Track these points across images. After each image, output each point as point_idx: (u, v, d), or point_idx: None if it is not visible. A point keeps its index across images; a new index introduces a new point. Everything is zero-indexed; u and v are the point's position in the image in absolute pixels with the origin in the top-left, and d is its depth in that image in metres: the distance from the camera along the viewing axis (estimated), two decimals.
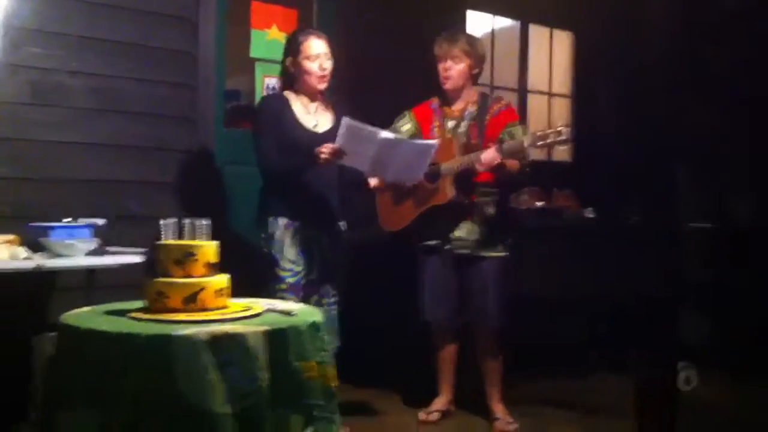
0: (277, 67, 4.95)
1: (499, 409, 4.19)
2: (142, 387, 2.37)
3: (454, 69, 4.12)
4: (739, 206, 5.60)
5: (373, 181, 3.99)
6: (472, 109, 4.17)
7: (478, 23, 6.13)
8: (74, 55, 4.17)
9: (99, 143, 4.26)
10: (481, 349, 4.22)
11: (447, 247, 4.13)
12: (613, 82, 6.56)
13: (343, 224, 3.98)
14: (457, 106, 4.20)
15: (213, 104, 4.73)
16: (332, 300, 3.95)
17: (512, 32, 6.52)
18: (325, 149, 3.65)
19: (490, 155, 3.86)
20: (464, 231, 4.11)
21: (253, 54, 5.01)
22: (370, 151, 3.65)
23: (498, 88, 6.26)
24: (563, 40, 6.93)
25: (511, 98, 6.36)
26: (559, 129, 3.78)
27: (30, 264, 3.38)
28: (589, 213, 5.67)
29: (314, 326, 2.68)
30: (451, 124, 4.19)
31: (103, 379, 2.41)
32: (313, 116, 3.91)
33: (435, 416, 4.25)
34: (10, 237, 3.47)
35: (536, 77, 6.68)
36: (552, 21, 6.77)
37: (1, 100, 3.93)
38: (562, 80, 6.92)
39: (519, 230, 4.62)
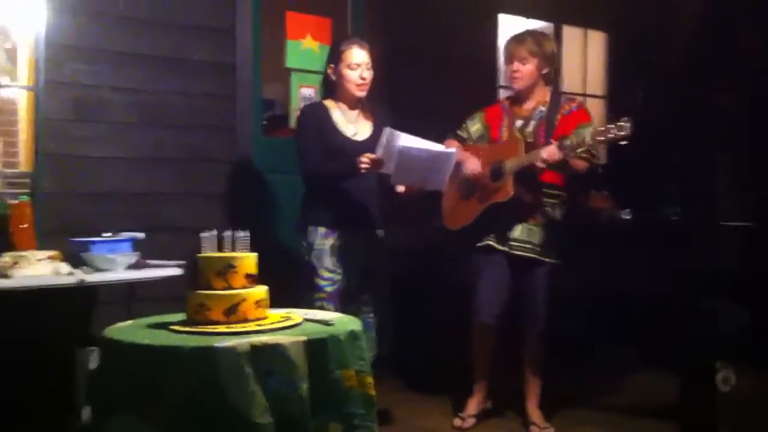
0: (312, 77, 5.07)
1: (536, 413, 4.17)
2: (186, 398, 2.42)
3: (522, 70, 4.09)
4: None
5: (400, 188, 3.91)
6: (542, 108, 4.12)
7: (511, 26, 6.12)
8: (115, 70, 4.26)
9: (140, 157, 4.35)
10: (528, 353, 4.19)
11: (504, 247, 4.08)
12: (647, 82, 6.54)
13: (381, 232, 4.01)
14: (527, 106, 4.16)
15: (251, 114, 4.79)
16: (371, 308, 3.96)
17: None
18: (366, 159, 3.68)
19: (550, 151, 3.80)
20: (524, 232, 4.06)
21: (288, 64, 5.07)
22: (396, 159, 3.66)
23: None
24: (597, 41, 6.91)
25: None
26: (620, 123, 3.66)
27: (72, 279, 3.45)
28: (627, 214, 5.64)
29: (353, 335, 2.72)
30: (519, 123, 4.15)
31: (148, 391, 2.47)
32: (353, 124, 3.94)
33: (470, 422, 4.22)
34: (53, 253, 3.54)
35: (570, 78, 6.67)
36: (585, 21, 6.75)
37: (44, 116, 4.02)
38: (597, 81, 6.90)
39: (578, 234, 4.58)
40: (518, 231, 4.06)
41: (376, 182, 3.91)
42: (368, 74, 3.89)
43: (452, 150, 3.86)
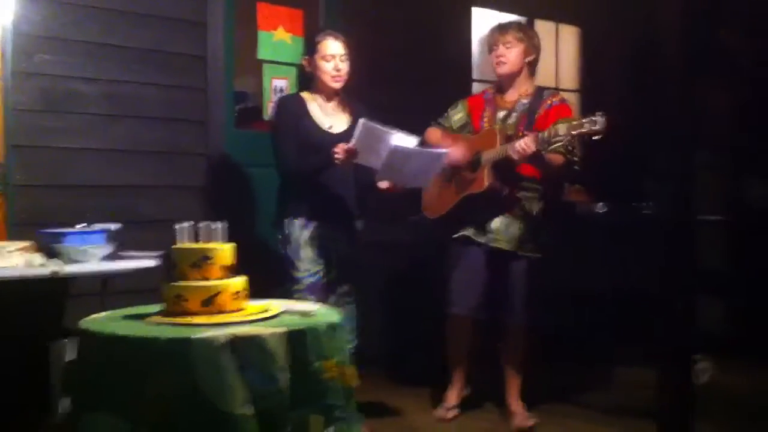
0: (284, 68, 5.04)
1: (517, 404, 4.18)
2: (164, 390, 2.39)
3: (506, 54, 4.08)
4: (756, 195, 5.58)
5: (383, 184, 3.90)
6: (525, 101, 4.11)
7: (484, 19, 6.12)
8: (86, 61, 4.21)
9: (112, 149, 4.30)
10: (506, 346, 4.20)
11: (482, 239, 4.07)
12: (620, 75, 6.57)
13: (359, 223, 3.99)
14: (510, 97, 4.16)
15: (223, 106, 4.76)
16: (350, 299, 3.96)
17: None
18: (339, 149, 3.66)
19: (524, 143, 3.76)
20: (502, 224, 4.04)
21: (260, 56, 5.03)
22: (383, 153, 3.64)
23: None
24: (569, 35, 6.93)
25: None
26: (594, 118, 3.64)
27: (45, 271, 3.39)
28: (601, 208, 5.66)
29: (333, 326, 2.69)
30: (501, 114, 4.14)
31: (125, 383, 2.43)
32: (329, 117, 3.92)
33: (453, 413, 4.23)
34: (26, 244, 3.48)
35: (543, 73, 6.65)
36: (558, 16, 6.77)
37: (13, 107, 3.95)
38: (569, 75, 6.92)
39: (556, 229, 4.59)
40: (496, 223, 4.05)
41: (352, 174, 3.89)
42: (343, 66, 3.88)
43: (444, 151, 3.86)
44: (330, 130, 3.89)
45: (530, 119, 4.06)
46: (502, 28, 4.15)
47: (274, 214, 3.92)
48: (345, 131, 3.88)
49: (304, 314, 2.75)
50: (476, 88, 5.80)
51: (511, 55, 4.08)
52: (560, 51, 6.85)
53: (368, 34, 5.08)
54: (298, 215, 3.82)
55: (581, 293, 5.31)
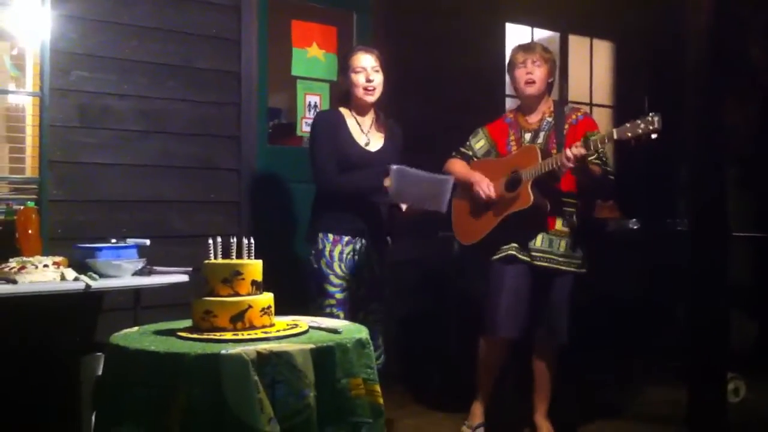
0: (318, 85, 5.08)
1: (545, 425, 4.14)
2: (192, 405, 2.39)
3: (536, 73, 4.03)
4: None
5: (402, 205, 3.87)
6: (549, 119, 4.06)
7: (518, 35, 6.12)
8: (121, 77, 4.26)
9: (145, 164, 4.34)
10: (540, 365, 4.14)
11: (525, 257, 3.98)
12: (654, 91, 6.52)
13: (389, 241, 4.00)
14: (533, 118, 4.11)
15: (256, 122, 4.79)
16: (378, 317, 3.95)
17: (552, 44, 6.49)
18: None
19: (575, 149, 3.66)
20: (546, 242, 3.97)
21: (294, 72, 5.07)
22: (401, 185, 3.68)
23: None
24: (603, 50, 6.90)
25: None
26: (649, 118, 3.53)
27: (79, 285, 3.44)
28: (634, 224, 5.61)
29: (360, 343, 2.69)
30: (528, 136, 4.08)
31: (153, 397, 2.44)
32: (365, 135, 3.93)
33: (481, 431, 4.20)
34: (59, 259, 3.54)
35: (577, 88, 6.66)
36: (592, 31, 6.75)
37: (50, 123, 4.01)
38: (603, 90, 6.89)
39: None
40: (539, 241, 3.98)
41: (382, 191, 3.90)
42: (376, 77, 3.88)
43: (448, 177, 3.79)
44: (367, 147, 3.91)
45: (559, 136, 4.01)
46: (528, 48, 4.11)
47: (307, 228, 3.94)
48: (381, 149, 3.90)
49: (332, 331, 2.75)
50: (509, 103, 5.78)
51: (540, 74, 4.05)
52: (594, 66, 6.82)
53: (401, 50, 5.11)
54: (332, 230, 3.83)
55: (614, 309, 5.27)
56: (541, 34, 6.44)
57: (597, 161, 3.91)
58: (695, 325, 4.05)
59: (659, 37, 6.31)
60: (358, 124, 3.92)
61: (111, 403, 2.56)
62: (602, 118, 6.73)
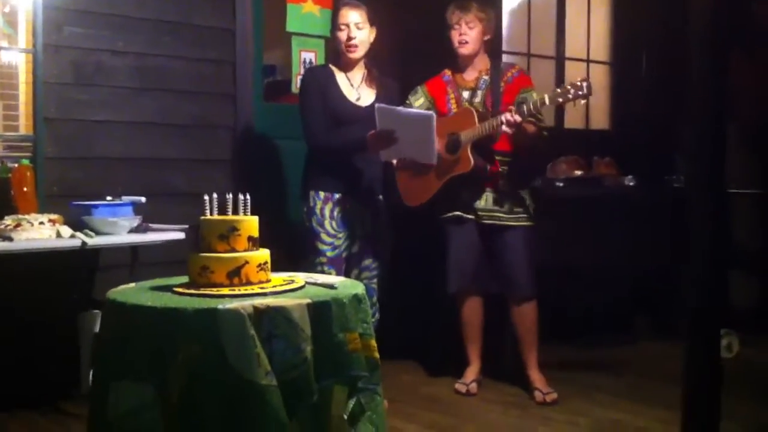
0: (313, 41, 5.05)
1: (537, 378, 4.18)
2: (190, 359, 2.41)
3: (469, 34, 4.10)
4: None
5: (394, 160, 3.97)
6: (485, 77, 4.15)
7: None
8: (115, 34, 4.23)
9: (141, 122, 4.33)
10: (515, 319, 4.22)
11: (471, 217, 4.12)
12: (652, 48, 6.48)
13: (381, 198, 4.00)
14: (470, 76, 4.19)
15: (252, 80, 4.76)
16: (373, 273, 3.97)
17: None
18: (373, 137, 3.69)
19: (509, 115, 3.78)
20: (489, 200, 4.09)
21: (289, 28, 5.01)
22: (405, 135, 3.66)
23: (535, 56, 6.21)
24: (601, 6, 6.83)
25: (549, 66, 6.32)
26: (578, 83, 3.69)
27: (75, 242, 3.45)
28: (630, 181, 5.61)
29: (356, 298, 2.70)
30: (466, 94, 4.17)
31: (151, 352, 2.45)
32: (355, 90, 3.91)
33: (474, 387, 4.25)
34: (54, 216, 3.54)
35: (574, 44, 6.60)
36: None
37: (44, 80, 3.99)
38: (601, 47, 6.83)
39: (551, 199, 4.62)
40: (483, 201, 4.10)
41: None
42: (359, 34, 3.84)
43: (429, 112, 3.85)
44: (357, 103, 3.88)
45: (495, 94, 4.09)
46: (462, 8, 4.12)
47: (300, 186, 3.93)
48: (372, 104, 3.87)
49: (329, 286, 2.76)
50: (506, 59, 5.74)
51: (473, 35, 4.10)
52: (592, 22, 6.76)
53: (397, 8, 5.05)
54: (323, 188, 3.83)
55: (606, 267, 5.28)
56: None
57: (530, 119, 3.95)
58: (692, 283, 4.07)
59: None
60: (348, 79, 3.90)
61: (109, 359, 2.57)
62: (600, 74, 6.69)
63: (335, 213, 3.83)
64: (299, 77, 4.99)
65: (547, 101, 3.79)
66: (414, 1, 5.15)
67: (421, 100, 4.24)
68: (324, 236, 3.82)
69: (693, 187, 4.19)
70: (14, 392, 3.81)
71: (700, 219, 4.05)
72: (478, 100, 4.13)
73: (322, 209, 3.82)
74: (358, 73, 3.93)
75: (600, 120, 6.61)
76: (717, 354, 3.97)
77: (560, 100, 3.77)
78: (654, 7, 6.32)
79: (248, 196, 2.80)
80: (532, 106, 3.80)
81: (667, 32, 6.23)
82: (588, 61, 6.67)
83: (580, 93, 3.68)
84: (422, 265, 4.78)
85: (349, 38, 3.83)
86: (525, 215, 4.12)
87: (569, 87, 3.72)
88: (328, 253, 3.81)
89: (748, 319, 4.82)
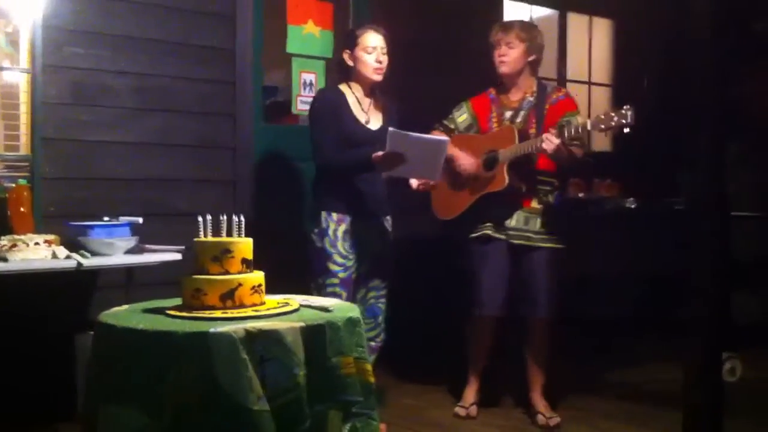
0: (313, 62, 5.04)
1: (541, 403, 4.13)
2: (182, 383, 2.39)
3: (509, 54, 4.08)
4: None
5: (414, 183, 3.94)
6: (530, 98, 4.12)
7: (515, 12, 6.08)
8: (114, 54, 4.23)
9: (141, 142, 4.32)
10: (530, 342, 4.16)
11: (502, 236, 4.06)
12: (653, 69, 6.49)
13: (389, 219, 4.00)
14: (515, 96, 4.16)
15: (252, 100, 4.76)
16: (381, 294, 3.97)
17: (550, 21, 6.45)
18: (382, 158, 3.66)
19: (549, 138, 3.76)
20: (521, 220, 4.05)
21: (289, 49, 5.02)
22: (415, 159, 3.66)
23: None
24: (602, 28, 6.85)
25: None
26: (622, 111, 3.66)
27: (71, 263, 3.44)
28: (631, 203, 5.60)
29: (351, 322, 2.68)
30: (508, 114, 4.14)
31: (144, 375, 2.44)
32: (365, 113, 3.92)
33: (474, 410, 4.20)
34: (51, 237, 3.53)
35: (575, 66, 6.62)
36: (591, 9, 6.70)
37: (43, 100, 3.99)
38: (602, 69, 6.85)
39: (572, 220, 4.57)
40: (515, 220, 4.05)
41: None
42: (384, 58, 3.88)
43: (444, 138, 3.87)
44: (368, 126, 3.90)
45: (539, 116, 4.06)
46: (503, 28, 4.14)
47: (311, 206, 3.91)
48: (381, 128, 3.89)
49: (323, 309, 2.74)
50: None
51: (513, 54, 4.08)
52: (593, 44, 6.77)
53: (398, 27, 5.05)
54: (334, 209, 3.83)
55: (609, 287, 5.26)
56: (540, 11, 6.39)
57: (576, 142, 3.95)
58: (694, 303, 4.04)
59: (659, 14, 6.27)
60: (359, 102, 3.91)
61: (100, 382, 2.56)
62: (601, 97, 6.70)
63: (347, 234, 3.83)
64: (299, 98, 5.01)
65: (588, 126, 3.77)
66: (409, 19, 5.17)
67: (465, 116, 4.26)
68: (336, 257, 3.81)
69: (694, 205, 4.18)
70: (9, 412, 3.78)
71: (701, 237, 4.03)
72: (519, 120, 4.10)
73: (335, 231, 3.81)
74: (367, 96, 3.94)
75: (601, 141, 6.61)
76: (719, 377, 3.94)
77: (602, 126, 3.73)
78: (655, 29, 6.34)
79: (242, 218, 2.79)
80: (573, 130, 3.78)
81: (668, 55, 6.23)
82: (589, 83, 6.68)
83: (623, 121, 3.65)
84: (422, 285, 4.77)
85: (379, 62, 3.86)
86: (555, 237, 4.07)
87: (612, 114, 3.70)
88: (340, 275, 3.80)
89: (749, 337, 4.79)
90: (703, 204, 4.00)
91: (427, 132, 4.08)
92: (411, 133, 3.65)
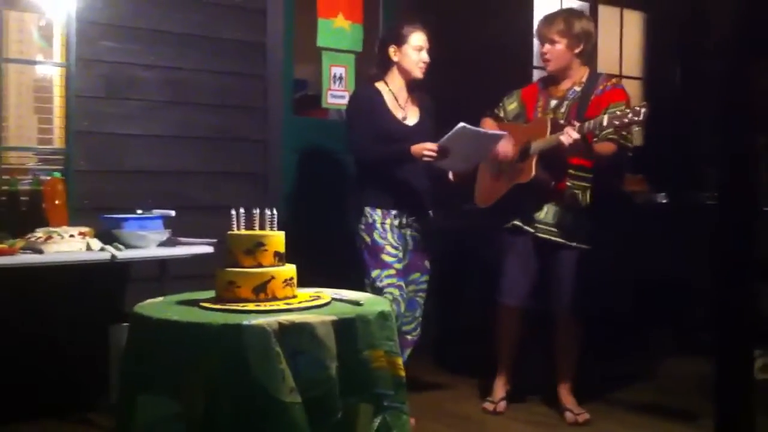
0: (343, 56, 5.04)
1: (569, 399, 4.11)
2: (215, 375, 2.41)
3: (551, 52, 4.06)
4: None
5: (451, 175, 3.98)
6: (577, 88, 4.07)
7: (546, 5, 6.04)
8: (146, 48, 4.26)
9: (171, 135, 4.35)
10: (558, 338, 4.14)
11: (530, 229, 4.03)
12: (685, 63, 6.43)
13: (431, 213, 4.02)
14: (563, 86, 4.12)
15: (282, 94, 4.77)
16: (420, 287, 3.99)
17: None
18: (429, 149, 3.69)
19: (568, 133, 3.74)
20: (550, 214, 4.01)
21: (320, 43, 5.03)
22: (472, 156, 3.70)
23: None
24: (634, 21, 6.79)
25: None
26: (637, 109, 3.66)
27: (105, 255, 3.47)
28: (662, 198, 5.56)
29: (382, 315, 2.69)
30: (554, 103, 4.10)
31: (177, 366, 2.46)
32: (402, 109, 3.94)
33: (503, 405, 4.18)
34: (85, 229, 3.56)
35: (606, 59, 6.56)
36: (622, 1, 6.64)
37: (77, 94, 4.03)
38: (633, 62, 6.79)
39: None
40: (544, 213, 4.02)
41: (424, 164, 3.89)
42: (427, 58, 3.95)
43: (504, 133, 3.91)
44: (405, 122, 3.92)
45: (582, 106, 4.00)
46: (546, 23, 4.10)
47: (357, 200, 3.93)
48: (418, 123, 3.94)
49: (355, 303, 2.75)
50: (536, 75, 5.72)
51: (556, 52, 4.05)
52: (624, 37, 6.72)
53: (428, 22, 5.05)
54: (379, 204, 3.86)
55: (639, 284, 5.23)
56: (570, 4, 6.34)
57: (613, 136, 3.90)
58: (720, 303, 4.01)
59: (690, 7, 6.21)
60: (396, 99, 3.93)
61: (134, 373, 2.58)
62: (632, 90, 6.64)
63: (394, 228, 3.87)
64: (329, 92, 5.01)
65: (604, 122, 3.74)
66: (439, 12, 5.15)
67: (515, 104, 4.25)
68: (389, 248, 3.83)
69: (722, 198, 4.15)
70: (44, 402, 3.84)
71: (730, 230, 4.00)
72: (562, 110, 4.06)
73: (383, 224, 3.84)
74: (404, 92, 3.95)
75: (634, 136, 6.55)
76: (750, 374, 3.90)
77: (616, 123, 3.71)
78: (687, 22, 6.28)
79: (275, 211, 2.80)
80: (591, 125, 3.76)
81: (700, 47, 6.17)
82: (621, 76, 6.62)
83: (635, 119, 3.65)
84: (451, 279, 4.77)
85: (424, 61, 3.92)
86: (582, 236, 4.01)
87: (628, 111, 3.70)
88: (396, 265, 3.83)
89: None
90: (732, 196, 3.97)
91: (477, 123, 4.08)
92: (481, 129, 3.69)
